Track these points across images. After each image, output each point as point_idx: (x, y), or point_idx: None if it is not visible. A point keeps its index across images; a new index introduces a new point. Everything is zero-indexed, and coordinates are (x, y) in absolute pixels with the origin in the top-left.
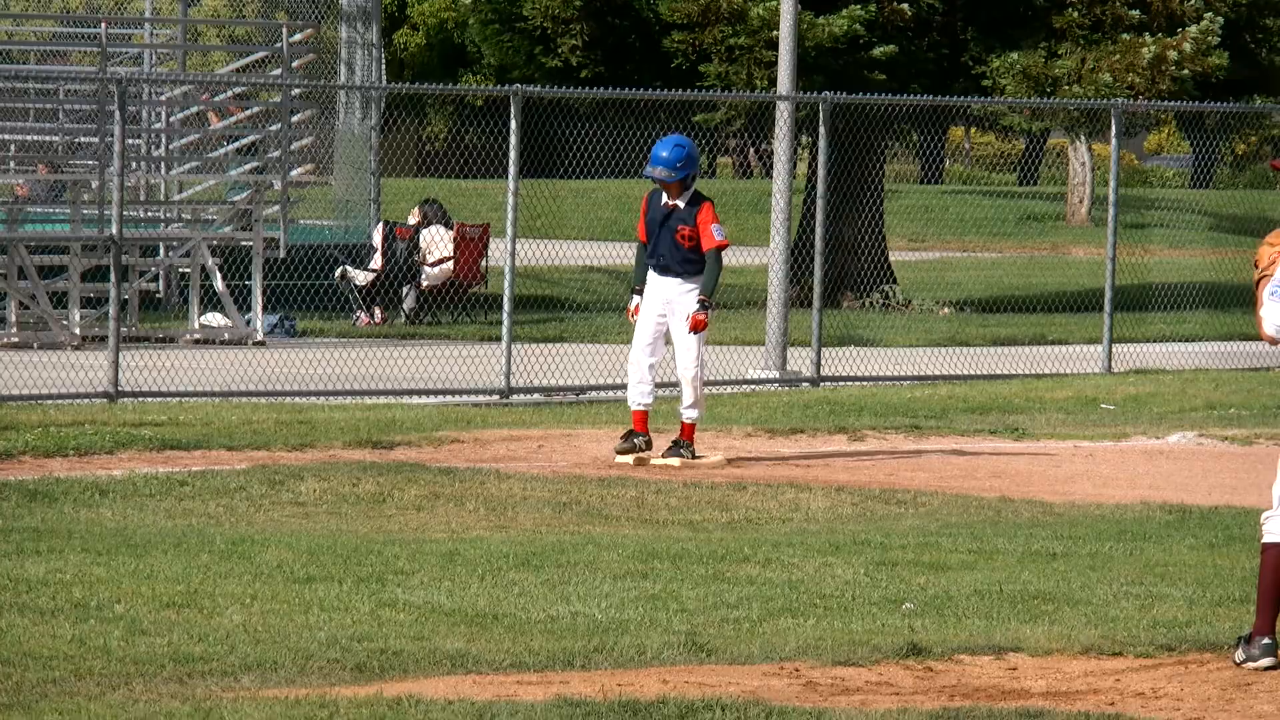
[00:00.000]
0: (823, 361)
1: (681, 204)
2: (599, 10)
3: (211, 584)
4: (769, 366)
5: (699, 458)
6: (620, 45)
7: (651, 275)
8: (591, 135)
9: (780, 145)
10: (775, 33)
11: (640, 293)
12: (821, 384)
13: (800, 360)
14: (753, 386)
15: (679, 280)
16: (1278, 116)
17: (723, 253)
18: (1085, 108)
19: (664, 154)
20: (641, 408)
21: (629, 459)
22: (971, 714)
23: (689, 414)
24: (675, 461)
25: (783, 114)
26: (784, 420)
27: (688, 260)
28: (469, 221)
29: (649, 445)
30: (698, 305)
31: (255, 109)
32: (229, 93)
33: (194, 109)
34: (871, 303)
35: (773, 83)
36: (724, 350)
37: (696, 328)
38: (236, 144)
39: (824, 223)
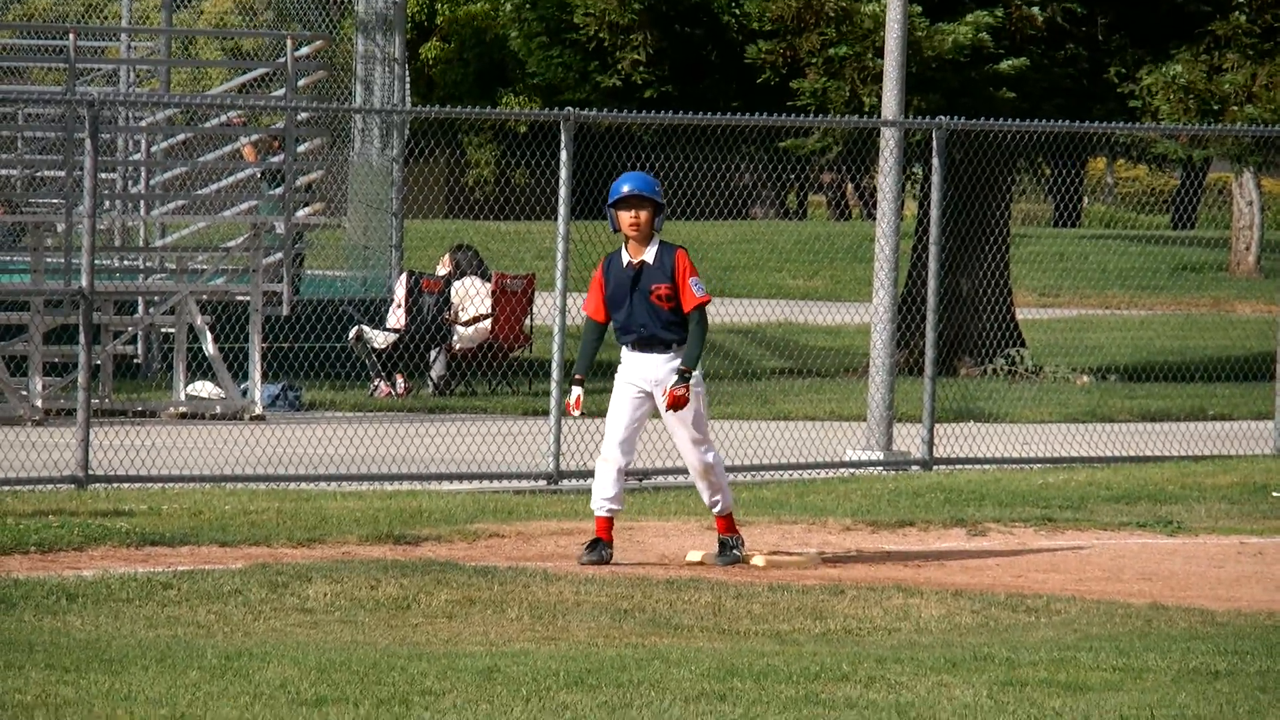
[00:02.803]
0: (936, 440)
1: (649, 258)
2: (665, 16)
3: (202, 707)
4: (871, 446)
5: (748, 555)
6: (692, 58)
7: (628, 355)
8: (658, 167)
9: (886, 180)
10: None
11: (582, 383)
12: (935, 467)
13: (909, 439)
14: (852, 470)
15: (667, 355)
16: None
17: (705, 309)
18: (1261, 136)
19: (627, 185)
20: (608, 514)
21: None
22: None
23: (718, 507)
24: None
25: (889, 142)
26: (890, 511)
27: (672, 325)
28: (510, 272)
29: (611, 558)
30: (676, 377)
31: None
32: (258, 125)
33: (180, 137)
34: (995, 370)
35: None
36: (818, 427)
37: (677, 404)
38: (232, 178)
39: (938, 274)
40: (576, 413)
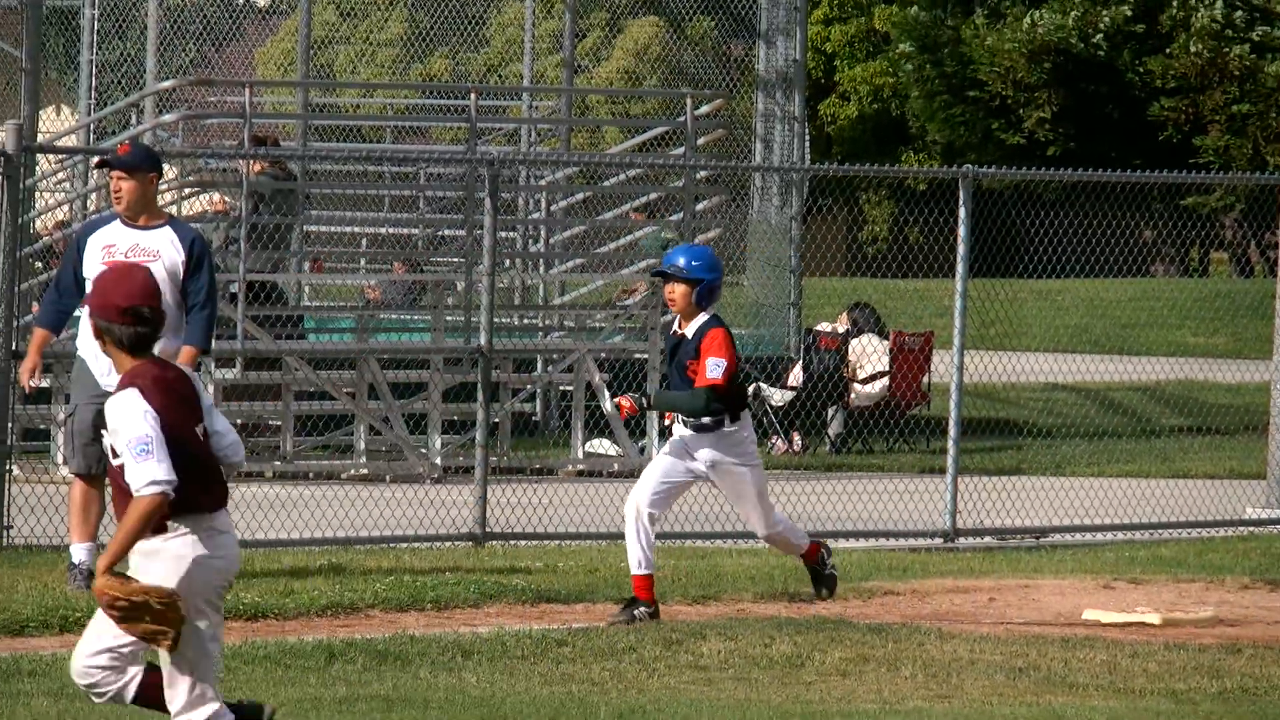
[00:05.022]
0: None
1: (689, 332)
2: (1071, 75)
3: None
4: (1272, 504)
5: (1144, 613)
6: (1096, 115)
7: (676, 427)
8: (1058, 225)
9: None
10: None
11: (643, 404)
12: None
13: None
14: (1252, 529)
15: (711, 433)
16: None
17: (713, 393)
18: None
19: (680, 258)
20: (645, 572)
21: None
22: None
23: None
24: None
25: None
26: None
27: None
28: (908, 330)
29: (655, 615)
30: (637, 395)
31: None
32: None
33: (579, 195)
34: None
35: None
36: (1217, 485)
37: (621, 409)
38: (630, 237)
39: None
40: (616, 408)
